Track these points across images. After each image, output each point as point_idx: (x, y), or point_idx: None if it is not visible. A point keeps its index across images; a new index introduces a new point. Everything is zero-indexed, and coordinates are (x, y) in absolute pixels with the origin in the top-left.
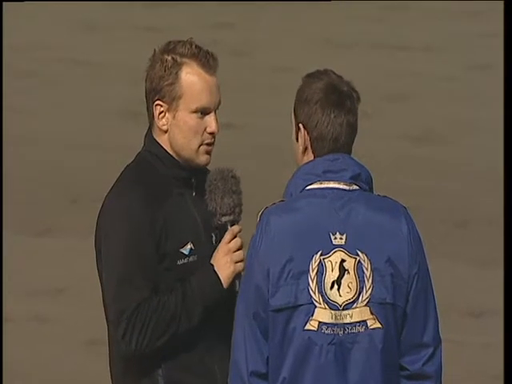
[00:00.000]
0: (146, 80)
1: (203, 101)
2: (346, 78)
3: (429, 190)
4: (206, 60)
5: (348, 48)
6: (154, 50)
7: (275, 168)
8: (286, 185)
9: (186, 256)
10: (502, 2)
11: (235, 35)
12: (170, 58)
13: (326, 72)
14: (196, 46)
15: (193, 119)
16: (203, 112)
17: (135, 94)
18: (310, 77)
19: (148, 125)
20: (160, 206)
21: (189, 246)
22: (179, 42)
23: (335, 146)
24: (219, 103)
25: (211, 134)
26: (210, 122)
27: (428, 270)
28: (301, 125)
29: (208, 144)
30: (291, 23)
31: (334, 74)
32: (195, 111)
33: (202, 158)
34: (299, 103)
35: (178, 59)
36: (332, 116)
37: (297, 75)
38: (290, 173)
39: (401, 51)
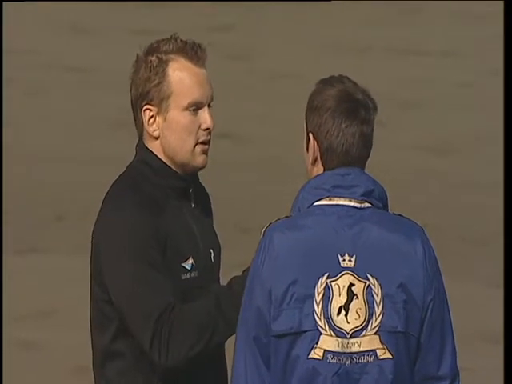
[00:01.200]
0: (130, 88)
1: (195, 95)
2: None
3: (444, 205)
4: (194, 52)
5: (359, 53)
6: (137, 55)
7: (276, 181)
8: (294, 199)
9: (188, 271)
10: (502, 3)
11: (233, 38)
12: (154, 57)
13: (340, 78)
14: (181, 41)
15: (185, 117)
16: (196, 108)
17: (127, 103)
18: (323, 83)
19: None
20: (160, 216)
21: (190, 261)
22: (162, 40)
23: (346, 158)
24: (212, 97)
25: (206, 130)
26: (204, 117)
27: (445, 296)
28: (311, 134)
29: (204, 142)
30: (295, 25)
31: (350, 80)
32: (187, 108)
33: (199, 159)
34: (310, 111)
35: (164, 57)
36: (343, 126)
37: (301, 82)
38: (292, 186)
39: (416, 56)
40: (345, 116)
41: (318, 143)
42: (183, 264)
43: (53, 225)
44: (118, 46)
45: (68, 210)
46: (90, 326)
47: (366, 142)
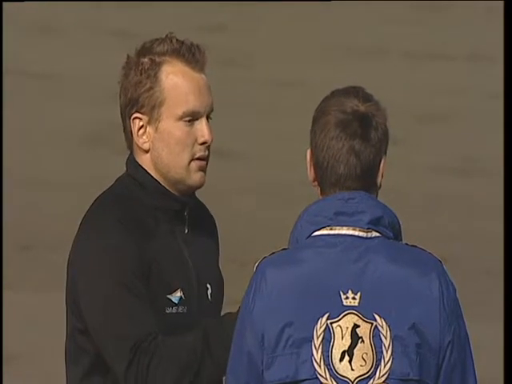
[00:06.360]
0: (120, 95)
1: (191, 103)
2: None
3: (468, 234)
4: (191, 54)
5: (372, 57)
6: (128, 56)
7: (279, 208)
8: (292, 229)
9: (174, 305)
10: (502, 2)
11: (228, 40)
12: (146, 59)
13: (348, 89)
14: (177, 41)
15: (180, 128)
16: (192, 118)
17: (103, 116)
18: (330, 93)
19: (126, 151)
20: (145, 238)
21: (178, 294)
22: (156, 39)
23: (332, 177)
24: (211, 107)
25: (204, 144)
26: (201, 129)
27: (467, 338)
28: (308, 151)
29: (200, 158)
30: (298, 25)
31: (362, 92)
32: (182, 117)
33: (195, 177)
34: (311, 125)
35: (157, 59)
36: (327, 138)
37: (306, 91)
38: (298, 214)
39: (439, 61)
40: (333, 127)
41: (311, 160)
42: (169, 296)
43: (17, 257)
44: (90, 50)
45: (34, 240)
46: (65, 359)
47: (359, 161)
